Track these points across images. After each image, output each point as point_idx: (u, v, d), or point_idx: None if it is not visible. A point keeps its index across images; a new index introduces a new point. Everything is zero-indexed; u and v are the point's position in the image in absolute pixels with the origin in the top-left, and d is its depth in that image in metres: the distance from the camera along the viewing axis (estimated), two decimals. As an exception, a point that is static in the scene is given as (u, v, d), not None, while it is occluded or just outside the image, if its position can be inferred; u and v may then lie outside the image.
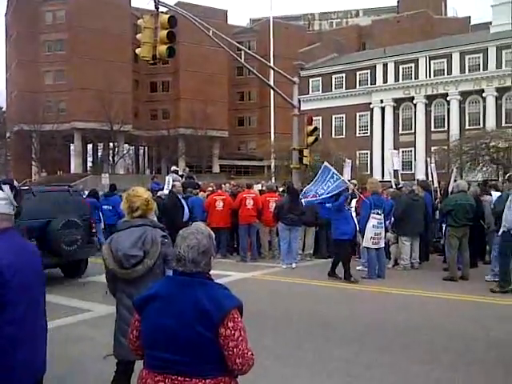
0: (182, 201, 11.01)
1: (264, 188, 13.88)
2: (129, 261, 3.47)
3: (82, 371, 5.02)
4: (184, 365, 2.23)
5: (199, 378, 2.22)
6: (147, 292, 2.46)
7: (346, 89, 49.79)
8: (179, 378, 2.23)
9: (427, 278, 9.75)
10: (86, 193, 17.67)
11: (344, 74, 50.05)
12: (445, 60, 44.86)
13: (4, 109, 68.18)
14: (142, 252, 3.47)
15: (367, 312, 7.25)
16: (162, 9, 13.83)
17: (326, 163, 10.66)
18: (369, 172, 44.08)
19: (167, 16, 13.02)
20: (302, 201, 10.74)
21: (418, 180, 13.89)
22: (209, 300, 2.24)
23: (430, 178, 14.50)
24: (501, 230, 8.19)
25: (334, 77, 50.73)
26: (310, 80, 51.46)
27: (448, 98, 44.67)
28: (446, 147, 34.21)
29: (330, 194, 10.02)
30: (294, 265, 10.95)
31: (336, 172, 10.26)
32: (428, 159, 15.92)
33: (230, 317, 2.23)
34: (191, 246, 2.32)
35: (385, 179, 36.37)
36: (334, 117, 49.98)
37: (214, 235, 2.48)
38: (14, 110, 59.11)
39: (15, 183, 4.97)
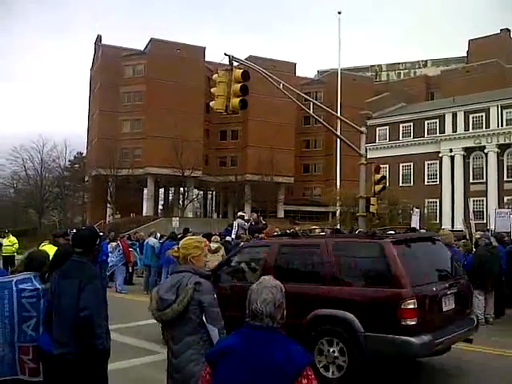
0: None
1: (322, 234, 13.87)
2: (162, 304, 3.60)
3: None
4: None
5: None
6: (220, 345, 2.51)
7: (413, 137, 49.16)
8: None
9: (502, 334, 9.26)
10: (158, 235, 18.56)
11: (412, 123, 49.53)
12: (518, 109, 43.46)
13: (84, 154, 72.96)
14: (173, 297, 3.55)
15: (433, 370, 7.02)
16: (234, 63, 14.53)
17: None
18: (438, 221, 42.65)
19: (241, 71, 13.60)
20: None
21: (491, 230, 13.42)
22: (284, 356, 2.24)
23: (509, 230, 13.94)
24: None
25: (401, 125, 50.32)
26: (377, 129, 51.33)
27: (522, 147, 42.97)
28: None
29: None
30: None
31: None
32: (509, 211, 15.21)
33: (304, 374, 2.23)
34: (268, 301, 2.33)
35: (455, 228, 35.10)
36: (401, 165, 49.22)
37: (284, 289, 2.48)
38: (93, 155, 63.00)
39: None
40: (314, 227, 17.57)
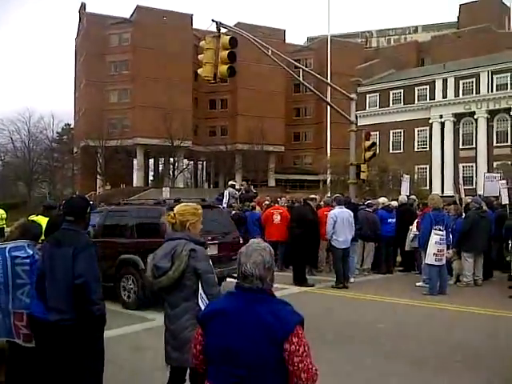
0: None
1: (321, 203, 13.97)
2: (158, 271, 3.62)
3: (140, 380, 5.22)
4: (248, 380, 2.26)
5: None
6: (211, 307, 2.53)
7: (404, 104, 49.01)
8: None
9: (491, 295, 9.49)
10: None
11: (402, 90, 49.29)
12: (508, 74, 43.27)
13: (72, 125, 72.03)
14: (169, 264, 3.56)
15: (428, 329, 7.18)
16: (222, 29, 14.27)
17: None
18: (428, 187, 42.99)
19: (228, 37, 13.40)
20: None
21: (480, 195, 13.53)
22: (273, 316, 2.27)
23: (497, 194, 14.06)
24: None
25: (391, 92, 50.08)
26: (368, 96, 51.03)
27: (511, 113, 42.99)
28: (509, 162, 32.87)
29: None
30: (352, 279, 10.95)
31: None
32: (498, 175, 15.27)
33: (294, 332, 2.25)
34: (257, 263, 2.35)
35: (445, 194, 35.41)
36: (391, 132, 49.22)
37: (273, 250, 2.51)
38: (81, 126, 62.28)
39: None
40: (282, 196, 17.68)
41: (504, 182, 14.14)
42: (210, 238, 8.60)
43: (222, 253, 8.63)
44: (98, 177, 60.26)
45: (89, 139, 56.42)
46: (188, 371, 3.66)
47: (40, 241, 4.34)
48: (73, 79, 71.18)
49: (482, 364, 5.63)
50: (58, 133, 70.11)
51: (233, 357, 2.29)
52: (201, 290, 3.57)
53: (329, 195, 19.22)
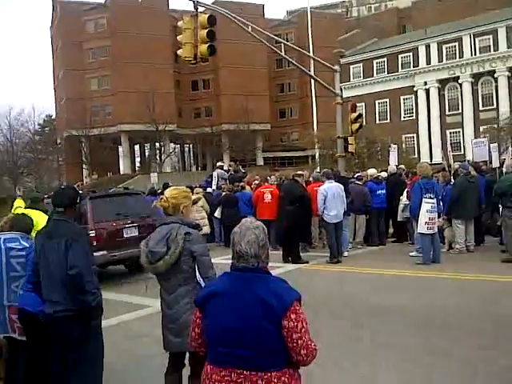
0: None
1: (311, 179, 13.90)
2: (153, 257, 3.57)
3: (139, 366, 5.20)
4: (249, 359, 2.27)
5: (264, 371, 2.26)
6: (208, 289, 2.50)
7: (388, 73, 48.76)
8: (245, 372, 2.27)
9: (484, 260, 9.55)
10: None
11: (385, 59, 49.00)
12: (490, 36, 43.11)
13: (54, 116, 70.97)
14: (165, 249, 3.53)
15: (424, 298, 7.19)
16: (199, 8, 14.04)
17: None
18: (416, 155, 43.11)
19: (206, 15, 13.21)
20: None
21: (469, 161, 13.54)
22: (271, 294, 2.27)
23: (486, 159, 14.08)
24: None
25: (375, 62, 49.78)
26: (351, 67, 50.70)
27: (496, 75, 42.95)
28: (496, 126, 32.96)
29: None
30: (345, 253, 10.96)
31: None
32: (485, 140, 15.29)
33: (292, 309, 2.26)
34: (251, 242, 2.34)
35: (433, 162, 35.53)
36: (377, 102, 49.09)
37: (266, 228, 2.49)
38: (62, 116, 61.42)
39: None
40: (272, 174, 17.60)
41: (495, 145, 14.12)
42: (129, 221, 9.90)
43: (142, 234, 9.16)
44: (84, 166, 59.76)
45: (72, 129, 55.77)
46: (187, 355, 3.64)
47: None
48: (51, 69, 70.00)
49: (476, 327, 5.67)
50: (39, 124, 69.31)
51: (233, 337, 2.29)
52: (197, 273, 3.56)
53: (318, 170, 19.17)
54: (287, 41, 39.95)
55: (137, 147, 68.84)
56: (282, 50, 22.52)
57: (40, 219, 5.39)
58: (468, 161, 13.18)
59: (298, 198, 10.61)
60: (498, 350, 4.99)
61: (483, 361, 4.75)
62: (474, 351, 4.99)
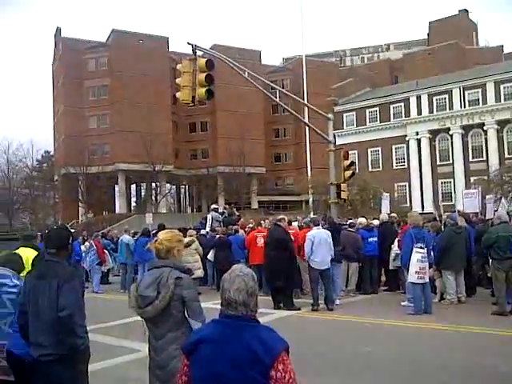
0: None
1: (302, 224, 13.96)
2: (143, 301, 3.52)
3: None
4: None
5: None
6: (195, 335, 2.48)
7: (380, 122, 49.77)
8: None
9: (474, 313, 9.51)
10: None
11: (378, 108, 50.10)
12: (479, 90, 44.35)
13: (52, 153, 71.11)
14: (155, 293, 3.48)
15: (415, 351, 7.12)
16: (198, 52, 14.37)
17: None
18: (408, 204, 43.41)
19: (205, 60, 13.47)
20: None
21: (459, 211, 13.68)
22: (259, 343, 2.25)
23: (477, 210, 14.20)
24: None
25: (367, 111, 50.87)
26: (344, 115, 51.74)
27: (485, 128, 43.94)
28: (486, 177, 33.43)
29: None
30: (337, 301, 10.88)
31: None
32: (476, 191, 15.49)
33: (279, 359, 2.23)
34: (240, 289, 2.34)
35: (425, 211, 35.75)
36: (369, 150, 49.83)
37: (256, 276, 2.49)
38: (61, 153, 61.63)
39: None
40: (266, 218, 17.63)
41: (491, 196, 14.23)
42: None
43: None
44: (80, 204, 59.56)
45: (69, 166, 55.93)
46: None
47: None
48: (51, 106, 70.75)
49: (469, 383, 5.60)
50: (37, 160, 69.33)
51: None
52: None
53: (312, 216, 19.25)
54: (283, 87, 41.00)
55: (133, 187, 68.95)
56: (278, 96, 23.04)
57: (30, 256, 5.37)
58: (458, 211, 13.28)
59: (280, 243, 10.63)
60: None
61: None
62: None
